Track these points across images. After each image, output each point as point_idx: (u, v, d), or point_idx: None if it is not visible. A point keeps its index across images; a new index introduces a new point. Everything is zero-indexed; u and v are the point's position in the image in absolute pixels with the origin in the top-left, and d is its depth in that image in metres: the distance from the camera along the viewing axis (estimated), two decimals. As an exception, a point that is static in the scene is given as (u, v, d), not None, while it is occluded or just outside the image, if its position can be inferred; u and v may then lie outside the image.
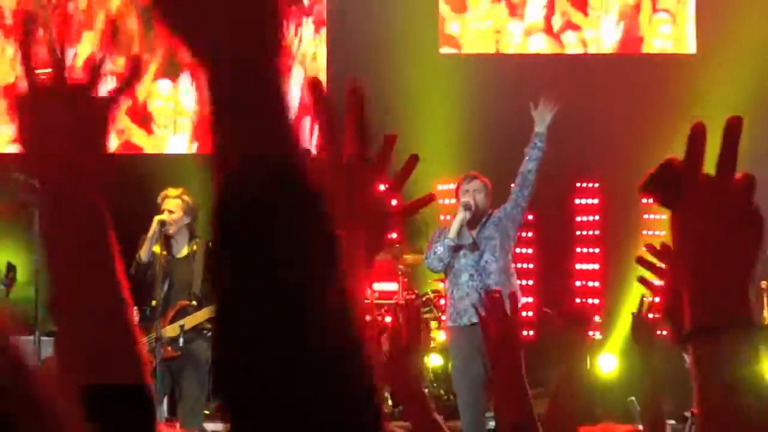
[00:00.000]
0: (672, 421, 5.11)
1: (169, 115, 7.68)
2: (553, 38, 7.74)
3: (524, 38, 7.78)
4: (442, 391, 6.33)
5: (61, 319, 0.94)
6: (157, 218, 5.08)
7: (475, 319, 4.67)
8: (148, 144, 7.61)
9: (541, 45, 7.74)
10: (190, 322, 5.07)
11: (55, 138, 0.95)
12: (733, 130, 0.89)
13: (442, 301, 6.11)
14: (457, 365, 5.25)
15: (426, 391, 5.82)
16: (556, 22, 7.72)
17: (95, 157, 0.96)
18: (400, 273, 6.49)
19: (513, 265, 5.29)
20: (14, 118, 0.96)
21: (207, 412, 5.30)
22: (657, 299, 1.91)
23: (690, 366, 0.88)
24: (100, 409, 0.77)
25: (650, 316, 2.33)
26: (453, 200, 5.44)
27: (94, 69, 0.98)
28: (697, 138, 0.89)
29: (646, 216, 6.92)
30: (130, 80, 1.00)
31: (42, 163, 0.95)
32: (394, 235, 5.57)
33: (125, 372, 0.92)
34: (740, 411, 0.85)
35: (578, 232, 7.39)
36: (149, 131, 7.64)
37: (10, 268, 5.60)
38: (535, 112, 5.20)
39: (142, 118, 7.57)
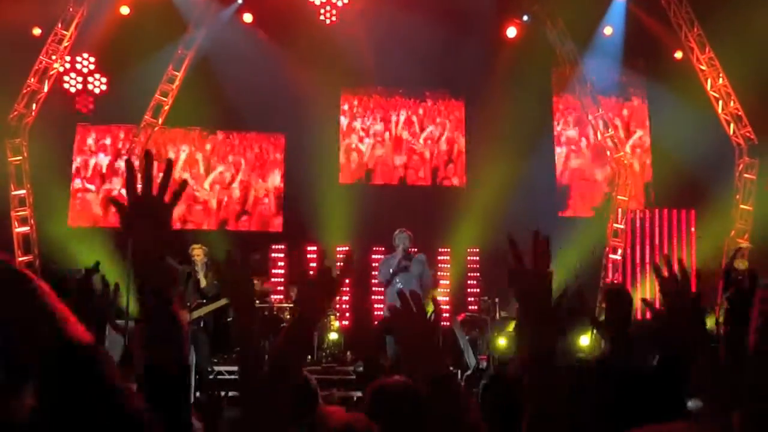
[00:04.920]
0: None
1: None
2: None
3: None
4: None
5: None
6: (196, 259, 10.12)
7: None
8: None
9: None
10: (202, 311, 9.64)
11: (145, 226, 1.72)
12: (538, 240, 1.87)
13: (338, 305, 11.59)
14: (389, 341, 9.55)
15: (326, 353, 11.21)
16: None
17: (166, 236, 1.75)
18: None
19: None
20: (120, 214, 1.72)
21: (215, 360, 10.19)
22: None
23: None
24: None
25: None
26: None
27: (176, 194, 1.77)
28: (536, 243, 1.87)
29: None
30: (178, 194, 1.78)
31: (137, 238, 1.73)
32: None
33: None
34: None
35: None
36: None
37: (116, 285, 10.43)
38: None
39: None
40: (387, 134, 13.72)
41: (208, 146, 13.31)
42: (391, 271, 9.46)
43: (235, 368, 8.65)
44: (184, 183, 1.86)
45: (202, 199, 13.13)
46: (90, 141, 12.99)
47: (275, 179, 13.31)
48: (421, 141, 13.77)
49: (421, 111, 13.86)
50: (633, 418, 1.98)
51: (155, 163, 1.76)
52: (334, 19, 12.84)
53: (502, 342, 10.82)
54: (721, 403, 1.85)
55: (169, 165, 1.83)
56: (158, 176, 1.77)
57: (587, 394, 2.30)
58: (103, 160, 12.93)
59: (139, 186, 1.76)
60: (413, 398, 2.59)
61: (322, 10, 12.81)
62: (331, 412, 2.06)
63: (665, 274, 2.11)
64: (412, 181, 13.65)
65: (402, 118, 13.79)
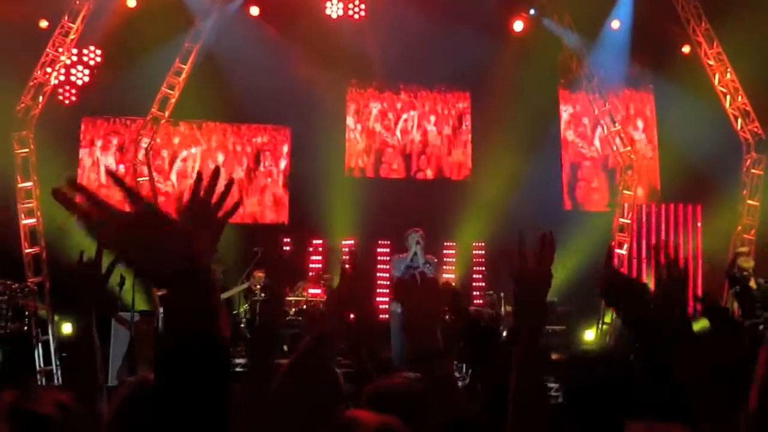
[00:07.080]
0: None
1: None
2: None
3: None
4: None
5: None
6: None
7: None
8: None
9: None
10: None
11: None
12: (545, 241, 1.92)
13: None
14: (393, 333, 9.17)
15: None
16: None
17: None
18: (322, 283, 11.83)
19: None
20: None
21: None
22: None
23: None
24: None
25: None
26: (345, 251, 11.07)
27: (226, 215, 1.60)
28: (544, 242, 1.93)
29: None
30: (231, 213, 1.62)
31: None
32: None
33: None
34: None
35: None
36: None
37: (122, 278, 10.42)
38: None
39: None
40: (392, 127, 13.71)
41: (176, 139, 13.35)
42: (404, 267, 9.19)
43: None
44: (237, 204, 1.70)
45: (164, 190, 13.07)
46: (96, 133, 13.01)
47: (239, 173, 13.34)
48: (418, 133, 13.78)
49: (426, 105, 13.84)
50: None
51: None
52: (340, 12, 12.85)
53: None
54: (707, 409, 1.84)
55: (230, 183, 1.63)
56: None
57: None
58: (109, 152, 12.95)
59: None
60: (413, 399, 2.50)
61: (329, 4, 12.82)
62: (362, 417, 1.87)
63: (662, 260, 2.05)
64: (421, 176, 13.65)
65: (409, 111, 13.77)
